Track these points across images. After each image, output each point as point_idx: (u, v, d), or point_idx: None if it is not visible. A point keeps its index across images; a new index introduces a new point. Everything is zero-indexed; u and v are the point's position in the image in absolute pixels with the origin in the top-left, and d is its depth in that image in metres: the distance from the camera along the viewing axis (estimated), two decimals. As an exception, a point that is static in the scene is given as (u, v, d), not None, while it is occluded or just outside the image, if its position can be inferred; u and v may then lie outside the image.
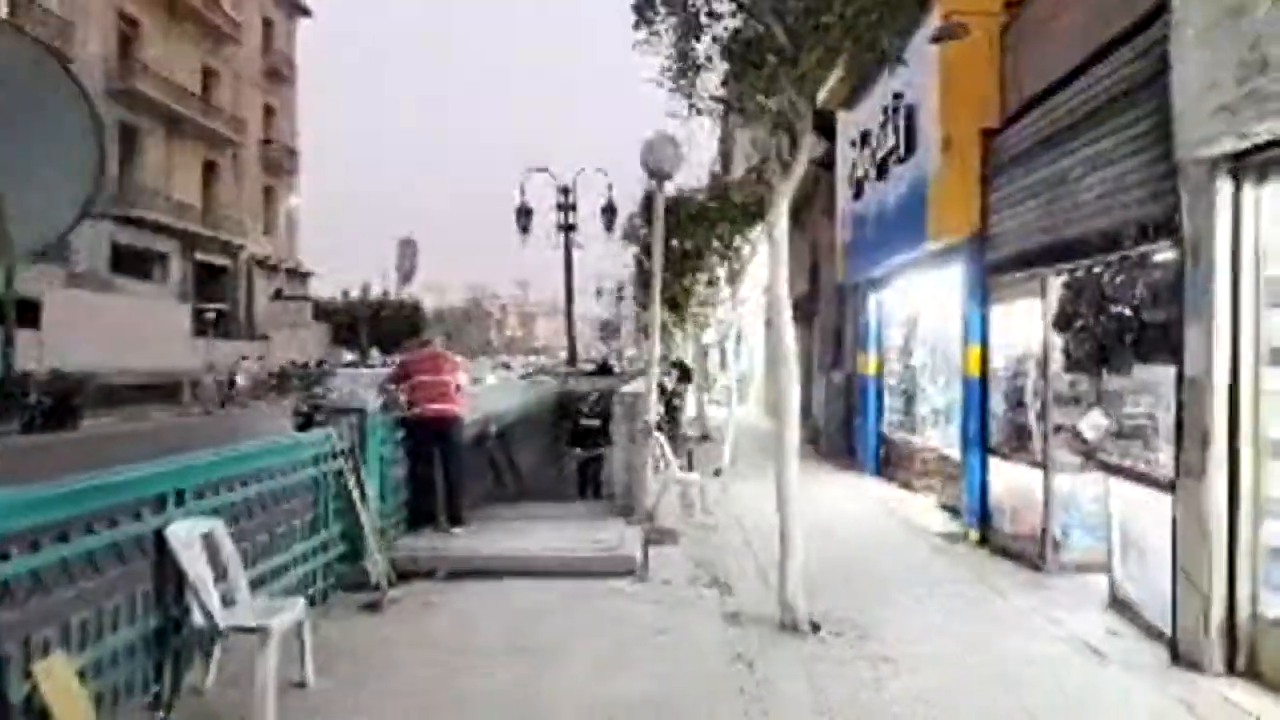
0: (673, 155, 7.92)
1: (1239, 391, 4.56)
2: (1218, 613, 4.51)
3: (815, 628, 5.49)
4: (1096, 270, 6.10)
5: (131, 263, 35.70)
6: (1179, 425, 4.86)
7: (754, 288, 28.03)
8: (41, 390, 20.77)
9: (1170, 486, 5.03)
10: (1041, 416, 7.31)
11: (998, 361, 8.11)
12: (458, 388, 7.94)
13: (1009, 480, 7.88)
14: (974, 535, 8.19)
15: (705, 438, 17.70)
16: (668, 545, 7.81)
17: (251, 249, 45.10)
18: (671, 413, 17.16)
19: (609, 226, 21.07)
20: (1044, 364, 7.13)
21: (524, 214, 21.45)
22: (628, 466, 8.34)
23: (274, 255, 47.24)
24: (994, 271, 8.02)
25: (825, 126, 14.41)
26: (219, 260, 43.25)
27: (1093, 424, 6.52)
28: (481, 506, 9.01)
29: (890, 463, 11.73)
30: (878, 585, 6.56)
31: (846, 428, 13.78)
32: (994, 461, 8.13)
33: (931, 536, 8.31)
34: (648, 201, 12.49)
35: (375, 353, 44.89)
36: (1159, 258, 5.36)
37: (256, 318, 45.47)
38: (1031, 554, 7.23)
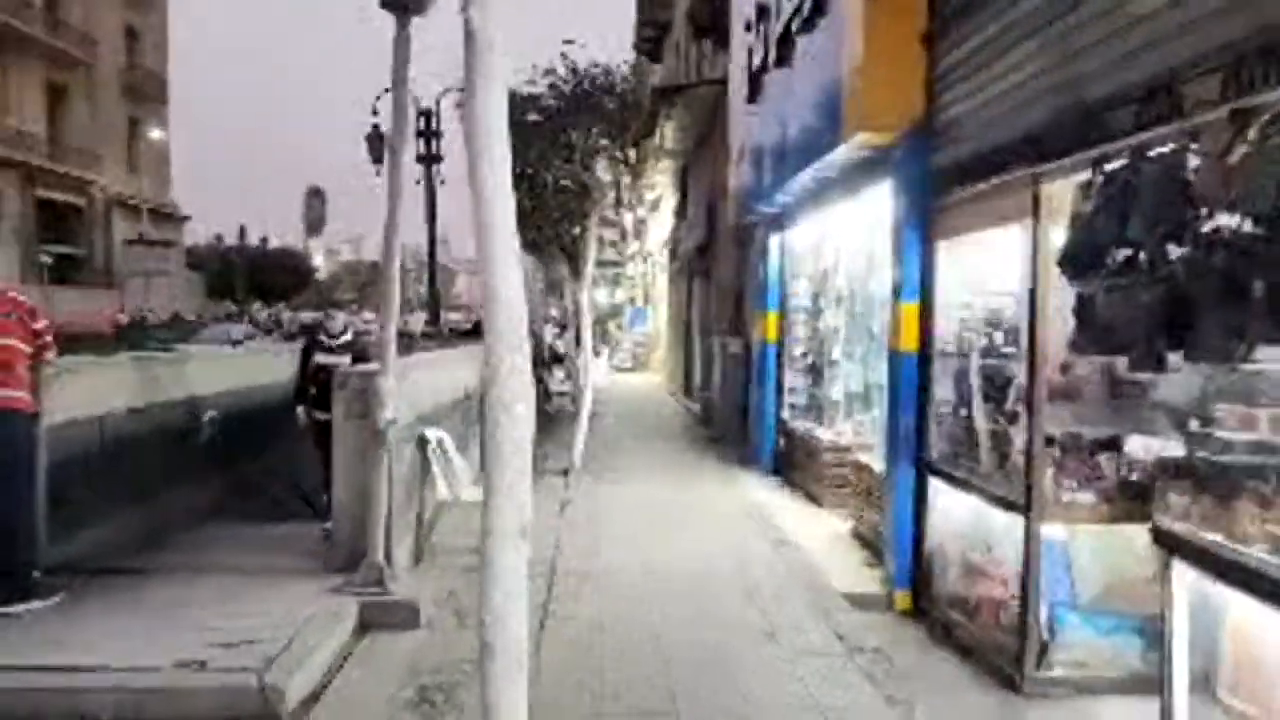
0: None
1: None
2: None
3: None
4: (1169, 151, 3.05)
5: (-52, 198, 30.58)
6: None
7: (659, 239, 24.83)
8: None
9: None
10: (1017, 419, 4.37)
11: (947, 328, 5.12)
12: (29, 357, 4.53)
13: (962, 519, 4.94)
14: (902, 600, 5.25)
15: (583, 415, 14.45)
16: (395, 634, 4.63)
17: (111, 187, 39.76)
18: (536, 385, 13.95)
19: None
20: (1031, 333, 4.13)
21: (378, 141, 17.67)
22: (356, 490, 5.08)
23: (140, 195, 41.87)
24: (945, 184, 4.98)
25: (719, 29, 11.25)
26: (68, 198, 37.92)
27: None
28: (174, 540, 5.72)
29: (790, 461, 8.77)
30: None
31: (744, 410, 10.78)
32: (936, 485, 5.17)
33: (837, 601, 5.31)
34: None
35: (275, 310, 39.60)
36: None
37: (115, 264, 40.24)
38: (998, 652, 4.30)
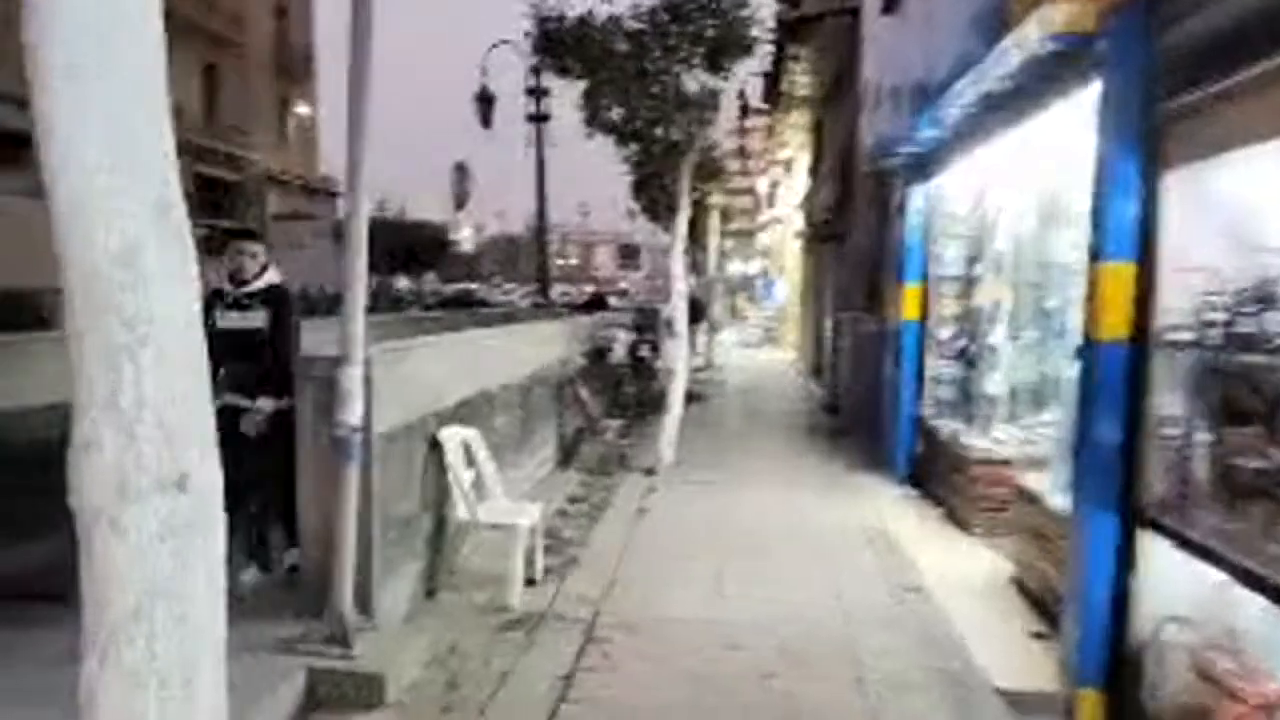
0: None
1: None
2: None
3: None
4: None
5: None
6: None
7: (792, 204, 22.79)
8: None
9: None
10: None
11: (1180, 305, 3.31)
12: None
13: (1201, 601, 3.18)
14: (1090, 707, 3.53)
15: (694, 398, 12.85)
16: (348, 717, 3.38)
17: (264, 163, 41.55)
18: (638, 365, 12.60)
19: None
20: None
21: (485, 101, 16.75)
22: (325, 511, 3.85)
23: (290, 170, 43.56)
24: (1185, 77, 3.14)
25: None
26: (225, 174, 39.96)
27: None
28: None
29: (931, 470, 6.99)
30: None
31: (876, 401, 9.01)
32: (1155, 544, 3.40)
33: (987, 698, 3.66)
34: (544, 34, 7.50)
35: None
36: None
37: (268, 237, 42.11)
38: None
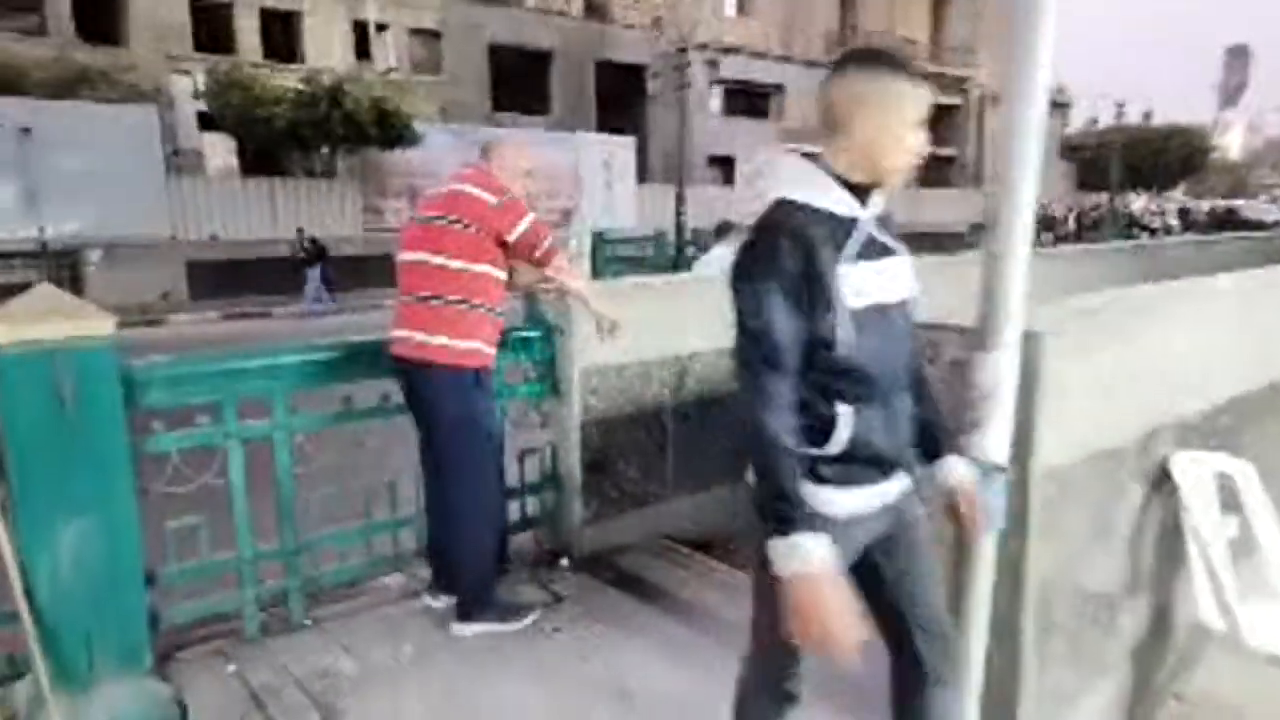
0: None
1: None
2: None
3: None
4: None
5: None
6: None
7: None
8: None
9: None
10: None
11: None
12: (464, 280, 3.05)
13: None
14: None
15: None
16: None
17: (986, 82, 39.98)
18: None
19: None
20: None
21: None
22: (948, 592, 2.30)
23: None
24: None
25: None
26: (946, 100, 39.78)
27: None
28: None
29: None
30: None
31: None
32: None
33: None
34: None
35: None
36: None
37: (985, 162, 40.44)
38: None
